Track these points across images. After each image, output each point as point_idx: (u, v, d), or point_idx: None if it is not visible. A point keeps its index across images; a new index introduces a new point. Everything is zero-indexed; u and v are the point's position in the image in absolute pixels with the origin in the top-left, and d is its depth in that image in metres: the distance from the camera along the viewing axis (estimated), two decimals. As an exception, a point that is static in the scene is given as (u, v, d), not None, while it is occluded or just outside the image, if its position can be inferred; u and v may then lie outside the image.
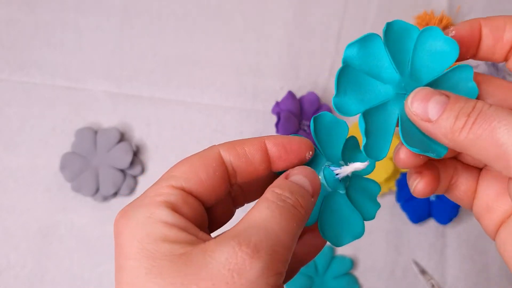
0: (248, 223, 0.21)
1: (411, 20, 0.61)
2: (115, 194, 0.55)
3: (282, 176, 0.24)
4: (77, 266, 0.54)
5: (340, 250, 0.54)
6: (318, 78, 0.59)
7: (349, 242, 0.25)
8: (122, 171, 0.55)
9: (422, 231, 0.54)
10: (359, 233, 0.25)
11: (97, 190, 0.54)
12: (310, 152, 0.25)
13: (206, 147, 0.24)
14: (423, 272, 0.53)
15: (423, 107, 0.23)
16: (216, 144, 0.24)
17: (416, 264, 0.53)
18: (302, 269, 0.44)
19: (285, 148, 0.24)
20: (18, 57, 0.60)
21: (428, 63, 0.25)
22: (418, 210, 0.53)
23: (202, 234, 0.21)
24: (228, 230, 0.21)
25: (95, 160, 0.55)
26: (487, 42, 0.25)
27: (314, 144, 0.25)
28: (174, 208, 0.22)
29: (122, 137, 0.56)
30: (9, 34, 0.61)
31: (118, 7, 0.61)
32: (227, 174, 0.24)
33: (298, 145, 0.24)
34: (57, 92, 0.59)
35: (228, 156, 0.24)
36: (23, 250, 0.54)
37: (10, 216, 0.55)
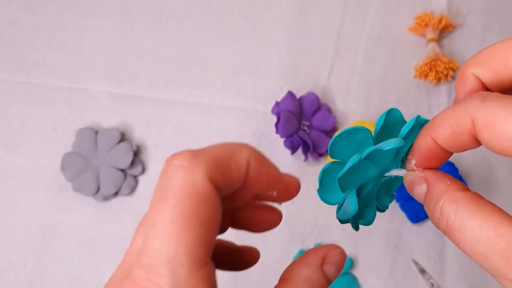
0: None
1: (410, 21, 0.61)
2: (116, 194, 0.55)
3: (316, 259, 0.23)
4: (78, 266, 0.54)
5: (340, 250, 0.54)
6: (317, 78, 0.59)
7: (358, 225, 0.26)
8: (123, 171, 0.55)
9: (422, 230, 0.54)
10: (370, 221, 0.26)
11: (98, 190, 0.54)
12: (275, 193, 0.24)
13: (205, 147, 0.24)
14: (422, 271, 0.53)
15: (411, 194, 0.24)
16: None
17: (416, 263, 0.53)
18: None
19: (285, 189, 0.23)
20: (19, 58, 0.60)
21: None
22: (418, 210, 0.53)
23: None
24: None
25: (96, 160, 0.55)
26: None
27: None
28: None
29: (123, 137, 0.57)
30: (10, 34, 0.61)
31: (118, 8, 0.62)
32: None
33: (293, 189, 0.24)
34: (58, 92, 0.59)
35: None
36: (23, 250, 0.54)
37: (10, 216, 0.55)
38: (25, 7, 0.62)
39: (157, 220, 0.18)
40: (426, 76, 0.58)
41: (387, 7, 0.62)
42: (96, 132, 0.56)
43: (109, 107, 0.58)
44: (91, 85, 0.59)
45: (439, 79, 0.58)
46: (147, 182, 0.56)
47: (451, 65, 0.58)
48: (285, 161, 0.56)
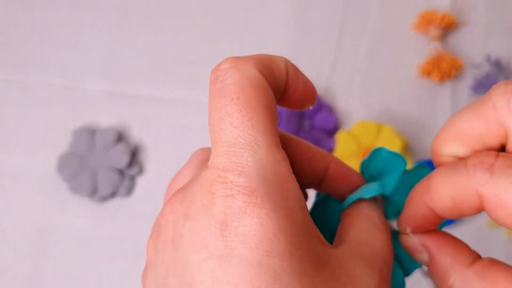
0: (369, 247, 0.20)
1: (413, 19, 0.60)
2: (113, 194, 0.55)
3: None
4: (75, 267, 0.53)
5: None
6: (318, 78, 0.59)
7: None
8: (120, 171, 0.54)
9: (425, 232, 0.54)
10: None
11: (95, 190, 0.54)
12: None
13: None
14: (426, 274, 0.52)
15: (413, 257, 0.23)
16: None
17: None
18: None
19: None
20: (15, 56, 0.59)
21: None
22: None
23: None
24: (347, 246, 0.20)
25: (93, 160, 0.54)
26: None
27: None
28: None
29: (120, 137, 0.56)
30: (5, 32, 0.60)
31: (115, 5, 0.61)
32: None
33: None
34: (54, 91, 0.58)
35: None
36: (20, 251, 0.54)
37: (7, 217, 0.55)
38: (22, 5, 0.61)
39: (224, 113, 0.18)
40: (429, 74, 0.57)
41: (389, 4, 0.61)
42: (93, 132, 0.55)
43: (107, 106, 0.58)
44: (88, 84, 0.58)
45: (442, 78, 0.57)
46: (145, 183, 0.55)
47: (454, 63, 0.57)
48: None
